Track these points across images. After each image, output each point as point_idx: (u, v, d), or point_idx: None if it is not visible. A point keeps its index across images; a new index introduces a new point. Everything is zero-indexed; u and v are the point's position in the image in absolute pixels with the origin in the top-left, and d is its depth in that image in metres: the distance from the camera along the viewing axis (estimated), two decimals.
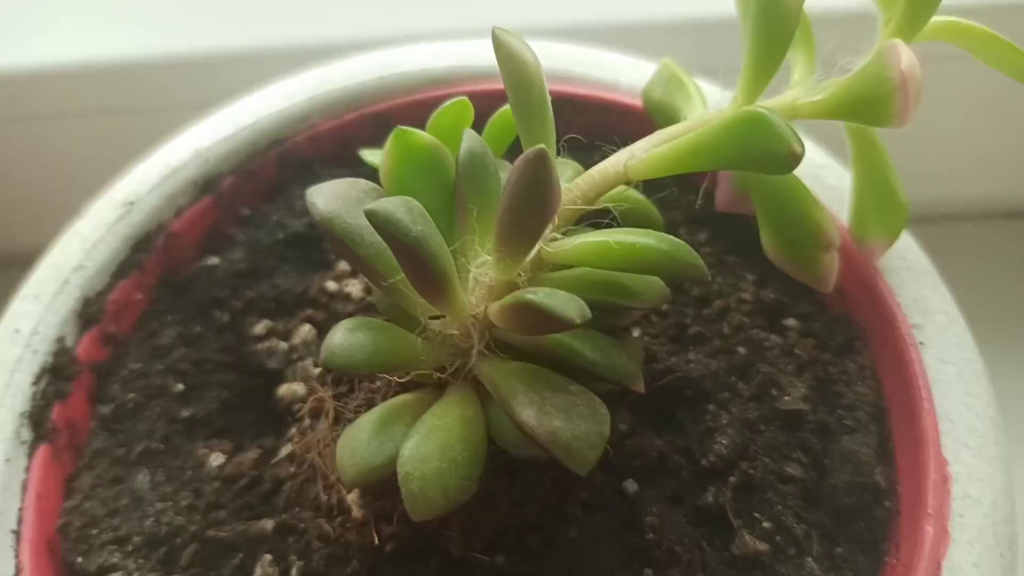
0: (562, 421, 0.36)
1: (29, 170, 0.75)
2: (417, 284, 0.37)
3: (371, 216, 0.35)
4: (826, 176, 0.49)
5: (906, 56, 0.36)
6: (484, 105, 0.46)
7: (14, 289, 0.49)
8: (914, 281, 0.45)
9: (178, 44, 0.68)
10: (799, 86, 0.42)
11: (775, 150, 0.33)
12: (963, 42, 0.45)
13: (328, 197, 0.40)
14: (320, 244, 0.53)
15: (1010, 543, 0.39)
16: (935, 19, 0.43)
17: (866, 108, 0.38)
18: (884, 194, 0.43)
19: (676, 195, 0.53)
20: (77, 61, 0.68)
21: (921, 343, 0.43)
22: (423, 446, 0.36)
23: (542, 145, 0.34)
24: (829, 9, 0.53)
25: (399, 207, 0.35)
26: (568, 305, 0.34)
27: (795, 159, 0.32)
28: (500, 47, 0.37)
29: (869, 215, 0.44)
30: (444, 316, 0.40)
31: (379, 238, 0.39)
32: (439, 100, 0.45)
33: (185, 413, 0.48)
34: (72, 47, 0.68)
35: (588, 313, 0.34)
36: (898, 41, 0.37)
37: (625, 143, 0.41)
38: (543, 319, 0.34)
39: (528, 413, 0.36)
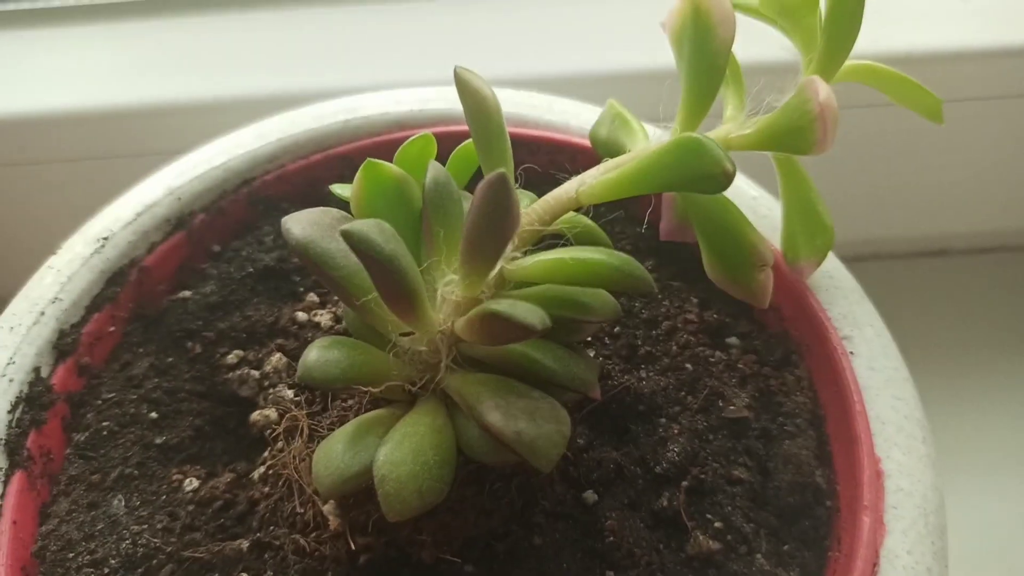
0: (526, 422, 0.38)
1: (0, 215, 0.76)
2: (389, 300, 0.40)
3: (347, 236, 0.38)
4: (758, 207, 0.54)
5: (823, 90, 0.40)
6: (443, 145, 0.49)
7: None
8: (842, 298, 0.49)
9: (152, 93, 0.71)
10: (731, 121, 0.46)
11: (710, 170, 0.36)
12: (876, 83, 0.50)
13: (303, 224, 0.43)
14: (289, 277, 0.55)
15: (941, 532, 0.43)
16: (850, 62, 0.48)
17: (790, 138, 0.42)
18: (811, 218, 0.47)
19: (623, 227, 0.57)
20: (51, 109, 0.70)
21: (852, 353, 0.47)
22: (397, 451, 0.39)
23: (503, 169, 0.37)
24: (756, 58, 0.58)
25: (372, 228, 0.38)
26: (530, 314, 0.37)
27: (727, 178, 0.36)
28: (462, 83, 0.41)
29: (798, 238, 0.48)
30: (414, 333, 0.42)
31: (352, 260, 0.42)
32: (401, 142, 0.48)
33: (159, 440, 0.49)
34: (45, 95, 0.71)
35: (549, 322, 0.37)
36: (816, 77, 0.41)
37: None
38: (507, 328, 0.37)
39: (495, 416, 0.38)
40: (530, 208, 0.43)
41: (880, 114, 0.78)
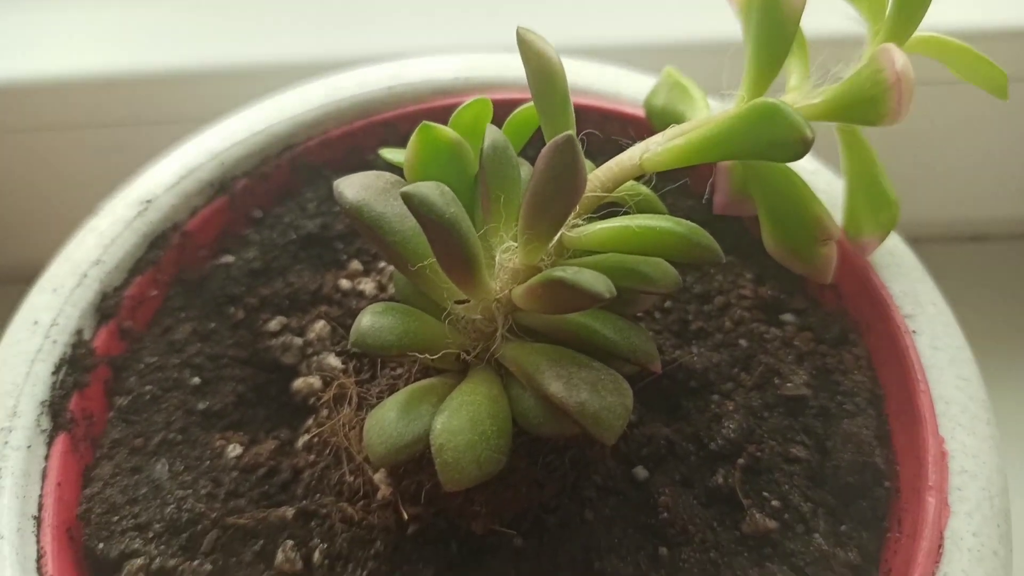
0: (589, 394, 0.37)
1: (31, 183, 0.75)
2: (447, 266, 0.39)
3: (407, 198, 0.37)
4: (817, 181, 0.52)
5: (900, 58, 0.39)
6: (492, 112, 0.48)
7: (10, 305, 0.49)
8: (904, 276, 0.48)
9: (194, 58, 0.69)
10: (796, 91, 0.45)
11: (787, 136, 0.35)
12: (942, 56, 0.48)
13: (356, 187, 0.42)
14: (332, 244, 0.54)
15: (1005, 515, 0.42)
16: (916, 34, 0.46)
17: (862, 108, 0.41)
18: (875, 193, 0.46)
19: (675, 199, 0.55)
20: (92, 72, 0.69)
21: (914, 331, 0.46)
22: (455, 420, 0.38)
23: (569, 132, 0.36)
24: (819, 29, 0.56)
25: (433, 191, 0.37)
26: (597, 281, 0.36)
27: (805, 145, 0.35)
28: (525, 44, 0.40)
29: (861, 213, 0.47)
30: (468, 301, 0.41)
31: (407, 225, 0.41)
32: (446, 109, 0.48)
33: (201, 406, 0.48)
34: (84, 59, 0.70)
35: (615, 289, 0.36)
36: (891, 44, 0.40)
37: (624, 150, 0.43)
38: (572, 295, 0.36)
39: (556, 386, 0.37)
40: (592, 174, 0.41)
41: (927, 94, 0.76)
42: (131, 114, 0.70)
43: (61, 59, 0.69)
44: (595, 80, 0.58)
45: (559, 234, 0.40)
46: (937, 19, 0.70)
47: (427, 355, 0.40)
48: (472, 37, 0.68)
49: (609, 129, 0.57)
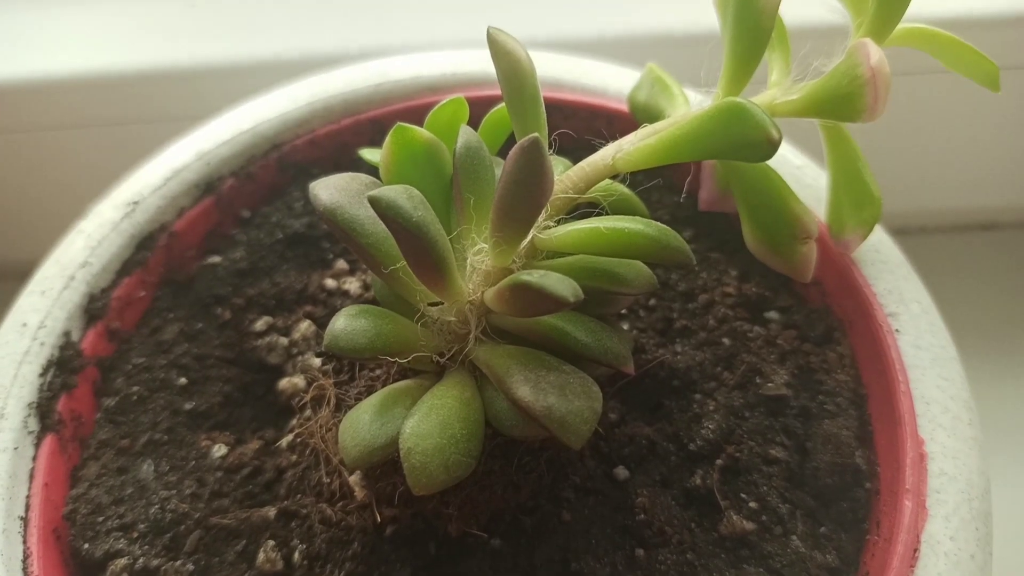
0: (556, 398, 0.37)
1: (24, 182, 0.76)
2: (417, 269, 0.39)
3: (374, 202, 0.37)
4: (803, 176, 0.51)
5: (875, 53, 0.38)
6: (475, 110, 0.48)
7: (7, 301, 0.50)
8: (888, 273, 0.47)
9: (180, 56, 0.70)
10: (776, 86, 0.44)
11: (754, 137, 0.35)
12: (930, 48, 0.47)
13: (331, 190, 0.42)
14: (318, 243, 0.55)
15: (985, 518, 0.41)
16: (903, 25, 0.46)
17: (839, 104, 0.40)
18: (858, 189, 0.45)
19: (660, 196, 0.55)
20: (77, 72, 0.69)
21: (897, 330, 0.45)
22: (424, 423, 0.38)
23: (536, 134, 0.36)
24: (803, 20, 0.55)
25: (400, 194, 0.37)
26: (562, 285, 0.35)
27: (772, 145, 0.34)
28: (495, 44, 0.39)
29: (844, 209, 0.46)
30: (442, 303, 0.41)
31: (380, 227, 0.41)
32: (433, 106, 0.47)
33: (188, 406, 0.49)
34: (71, 59, 0.70)
35: (581, 293, 0.36)
36: (867, 40, 0.39)
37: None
38: (538, 299, 0.36)
39: (524, 390, 0.37)
40: (564, 175, 0.41)
41: (930, 81, 0.75)
42: (123, 113, 0.70)
43: (51, 60, 0.70)
44: (582, 75, 0.57)
45: (530, 236, 0.40)
46: (938, 5, 0.68)
47: (398, 358, 0.40)
48: (461, 32, 0.68)
49: (596, 124, 0.56)
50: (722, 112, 0.36)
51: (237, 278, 0.53)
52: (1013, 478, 0.71)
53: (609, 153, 0.41)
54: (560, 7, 0.70)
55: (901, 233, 0.88)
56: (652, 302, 0.51)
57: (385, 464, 0.42)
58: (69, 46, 0.71)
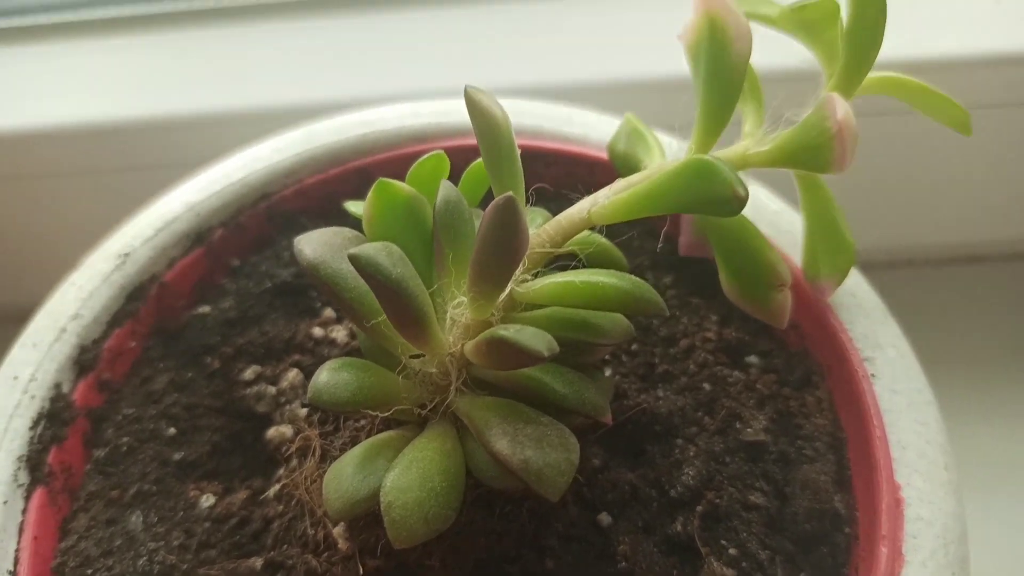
0: (534, 450, 0.38)
1: (22, 228, 0.78)
2: (397, 324, 0.40)
3: (354, 260, 0.38)
4: (780, 221, 0.52)
5: (841, 108, 0.39)
6: (461, 158, 0.49)
7: (5, 345, 0.51)
8: (865, 317, 0.48)
9: (170, 106, 0.71)
10: (750, 137, 0.45)
11: (720, 194, 0.36)
12: (901, 95, 0.48)
13: (315, 244, 0.43)
14: (307, 292, 0.56)
15: (962, 562, 0.41)
16: (874, 74, 0.47)
17: (808, 156, 0.41)
18: (832, 236, 0.46)
19: (643, 241, 0.56)
20: (69, 122, 0.71)
21: (873, 375, 0.46)
22: (404, 477, 0.38)
23: (510, 192, 0.37)
24: (778, 67, 0.57)
25: (380, 251, 0.38)
26: (536, 339, 0.36)
27: (739, 202, 0.35)
28: (472, 103, 0.40)
29: (819, 256, 0.47)
30: (424, 355, 0.42)
31: (361, 282, 0.41)
32: (419, 155, 0.48)
33: (177, 456, 0.50)
34: (63, 108, 0.72)
35: (556, 347, 0.36)
36: (834, 94, 0.40)
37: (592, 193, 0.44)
38: (514, 353, 0.37)
39: (502, 443, 0.38)
40: (541, 229, 0.42)
41: (916, 119, 0.76)
42: (113, 161, 0.72)
43: (48, 109, 0.71)
44: (564, 123, 0.58)
45: (508, 289, 0.41)
46: (910, 48, 0.70)
47: (379, 412, 0.41)
48: (448, 81, 0.69)
49: (578, 172, 0.57)
50: (689, 169, 0.37)
51: (226, 327, 0.54)
52: (1000, 514, 0.72)
53: (585, 207, 0.41)
54: (544, 55, 0.71)
55: (889, 267, 0.89)
56: (634, 347, 0.52)
57: (369, 515, 0.43)
58: (57, 96, 0.73)
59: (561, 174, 0.57)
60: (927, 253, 0.89)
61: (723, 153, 0.44)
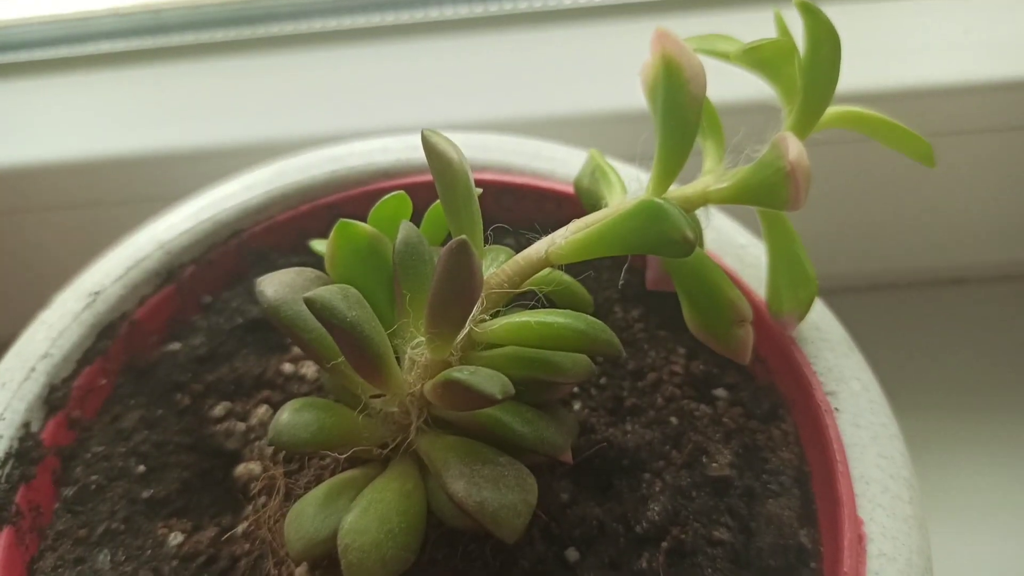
0: (490, 491, 0.38)
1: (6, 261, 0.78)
2: (355, 366, 0.40)
3: (310, 303, 0.38)
4: (746, 255, 0.53)
5: (794, 147, 0.40)
6: (429, 195, 0.49)
7: None
8: (829, 350, 0.48)
9: (140, 142, 0.72)
10: (710, 174, 0.46)
11: (670, 236, 0.36)
12: (861, 128, 0.49)
13: (276, 286, 0.43)
14: (277, 329, 0.56)
15: None
16: (834, 108, 0.47)
17: (765, 194, 0.41)
18: (794, 270, 0.46)
19: (611, 274, 0.56)
20: (40, 158, 0.71)
21: (836, 409, 0.46)
22: (362, 519, 0.38)
23: (464, 236, 0.37)
24: (742, 98, 0.57)
25: (335, 294, 0.38)
26: (490, 382, 0.36)
27: (688, 245, 0.36)
28: (428, 146, 0.41)
29: (782, 290, 0.47)
30: (384, 395, 0.42)
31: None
32: (387, 191, 0.48)
33: (146, 494, 0.50)
34: (34, 145, 0.72)
35: (511, 389, 0.37)
36: (788, 133, 0.40)
37: (560, 227, 0.44)
38: (468, 395, 0.37)
39: (458, 485, 0.38)
40: (500, 269, 0.42)
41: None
42: (87, 196, 0.72)
43: (14, 147, 0.72)
44: (533, 158, 0.59)
45: (467, 329, 0.41)
46: (880, 79, 0.70)
47: (339, 453, 0.41)
48: (417, 117, 0.69)
49: (546, 206, 0.58)
50: (641, 212, 0.37)
51: (197, 364, 0.54)
52: (984, 541, 0.71)
53: (543, 247, 0.42)
54: (515, 88, 0.72)
55: (872, 289, 0.90)
56: (603, 381, 0.52)
57: (330, 555, 0.43)
58: (28, 133, 0.73)
59: (530, 208, 0.57)
60: (910, 275, 0.89)
61: (683, 190, 0.44)
